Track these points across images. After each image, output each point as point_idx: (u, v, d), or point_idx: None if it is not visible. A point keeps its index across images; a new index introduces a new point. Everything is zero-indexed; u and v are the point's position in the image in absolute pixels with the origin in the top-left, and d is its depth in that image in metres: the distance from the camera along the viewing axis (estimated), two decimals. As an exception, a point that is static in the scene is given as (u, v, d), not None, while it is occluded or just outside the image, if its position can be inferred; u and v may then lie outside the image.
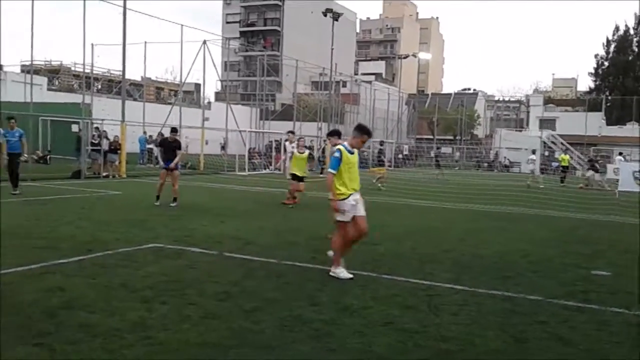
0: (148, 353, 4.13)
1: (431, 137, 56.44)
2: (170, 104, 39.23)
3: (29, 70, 24.16)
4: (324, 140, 30.20)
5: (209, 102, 45.92)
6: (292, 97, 42.84)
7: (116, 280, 6.06)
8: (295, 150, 14.32)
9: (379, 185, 19.65)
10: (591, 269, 7.73)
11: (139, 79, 45.08)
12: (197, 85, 50.03)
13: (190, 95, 54.37)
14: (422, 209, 14.75)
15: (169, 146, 13.22)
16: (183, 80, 31.23)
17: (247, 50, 63.46)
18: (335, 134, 8.71)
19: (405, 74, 54.47)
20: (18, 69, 42.88)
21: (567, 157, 31.45)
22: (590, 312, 5.66)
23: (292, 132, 15.09)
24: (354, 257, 7.89)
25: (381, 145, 25.02)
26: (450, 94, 70.63)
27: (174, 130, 13.82)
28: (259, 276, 6.61)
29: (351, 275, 6.56)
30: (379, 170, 21.25)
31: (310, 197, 14.96)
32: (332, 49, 35.06)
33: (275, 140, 32.64)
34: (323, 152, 31.76)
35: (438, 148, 46.56)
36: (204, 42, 30.28)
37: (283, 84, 53.74)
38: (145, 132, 30.31)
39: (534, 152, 29.51)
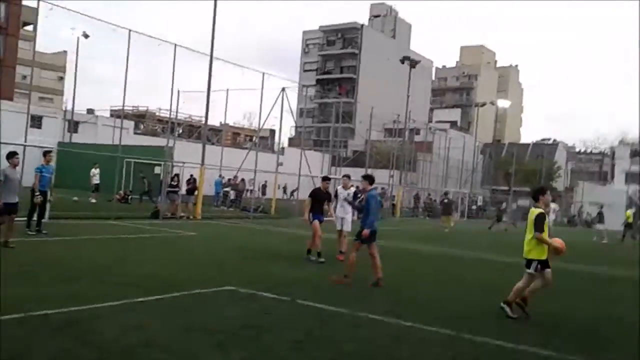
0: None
1: (507, 188, 54.54)
2: (245, 148, 40.48)
3: (119, 115, 25.74)
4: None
5: (283, 148, 46.95)
6: (365, 143, 43.03)
7: (192, 321, 6.11)
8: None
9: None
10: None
11: (217, 124, 47.07)
12: (272, 131, 51.47)
13: (265, 141, 55.98)
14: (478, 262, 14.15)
15: (322, 197, 11.93)
16: (260, 126, 32.14)
17: (322, 97, 64.88)
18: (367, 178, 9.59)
19: (481, 122, 53.34)
20: (108, 114, 46.25)
21: (630, 212, 30.20)
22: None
23: (348, 177, 12.77)
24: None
25: (445, 194, 24.44)
26: (529, 144, 68.39)
27: (326, 179, 12.44)
28: (333, 327, 6.46)
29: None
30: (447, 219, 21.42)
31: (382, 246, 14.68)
32: (408, 96, 35.12)
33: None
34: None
35: (500, 203, 45.03)
36: (283, 89, 31.18)
37: (356, 130, 54.21)
38: (221, 176, 31.27)
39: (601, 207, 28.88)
